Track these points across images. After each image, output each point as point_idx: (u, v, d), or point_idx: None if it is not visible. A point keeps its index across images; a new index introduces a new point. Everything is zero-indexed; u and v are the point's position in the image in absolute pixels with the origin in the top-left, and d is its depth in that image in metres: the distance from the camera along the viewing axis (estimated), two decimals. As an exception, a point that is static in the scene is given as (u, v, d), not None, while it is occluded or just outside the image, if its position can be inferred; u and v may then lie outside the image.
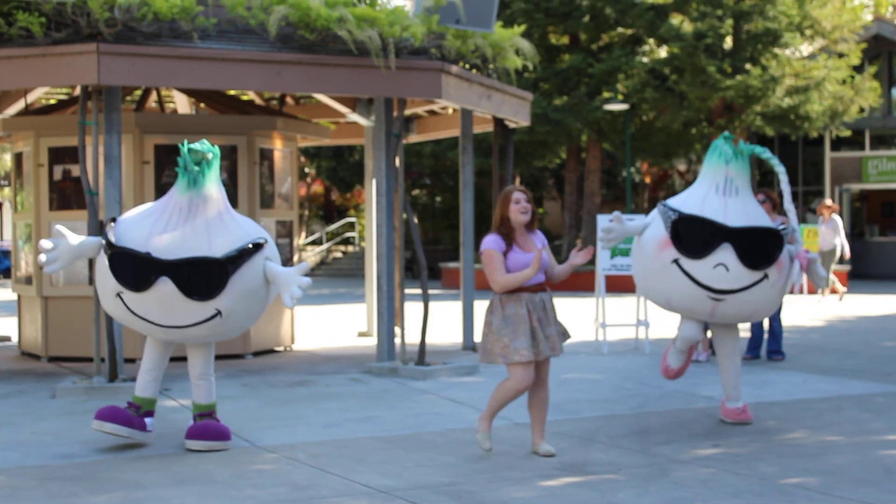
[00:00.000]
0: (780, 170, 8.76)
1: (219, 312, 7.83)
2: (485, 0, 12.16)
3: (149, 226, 7.87)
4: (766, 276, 8.45)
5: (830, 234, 22.71)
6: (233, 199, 12.83)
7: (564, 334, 7.81)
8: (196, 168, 7.95)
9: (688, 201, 8.69)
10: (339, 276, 40.87)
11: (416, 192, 43.75)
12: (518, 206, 7.59)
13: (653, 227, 8.70)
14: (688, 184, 42.19)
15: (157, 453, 7.92)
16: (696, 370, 12.07)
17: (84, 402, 9.95)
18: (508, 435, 8.57)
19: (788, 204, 8.79)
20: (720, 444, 8.15)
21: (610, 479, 7.07)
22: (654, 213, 8.79)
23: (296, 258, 14.10)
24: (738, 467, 7.32)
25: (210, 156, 7.99)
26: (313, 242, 45.94)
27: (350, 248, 45.17)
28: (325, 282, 36.36)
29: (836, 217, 22.61)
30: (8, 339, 15.38)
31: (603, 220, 14.42)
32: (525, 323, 7.46)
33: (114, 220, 8.08)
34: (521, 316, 7.47)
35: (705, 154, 8.99)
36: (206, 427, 8.08)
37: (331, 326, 17.93)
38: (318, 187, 49.16)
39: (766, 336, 13.11)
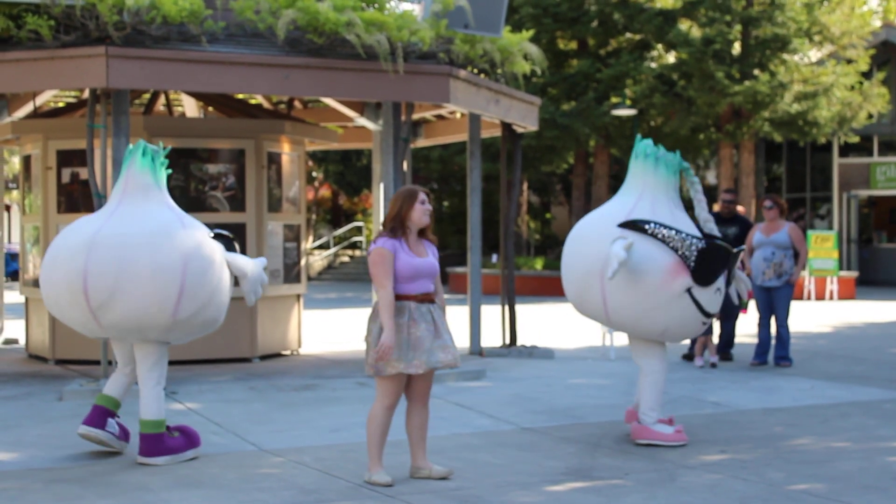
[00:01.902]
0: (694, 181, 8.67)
1: None
2: (493, 5, 12.17)
3: None
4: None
5: None
6: (240, 203, 12.89)
7: (454, 351, 7.09)
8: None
9: (670, 221, 8.27)
10: (346, 280, 40.88)
11: (423, 196, 43.70)
12: (424, 206, 7.13)
13: (654, 254, 8.11)
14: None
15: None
16: (704, 375, 12.06)
17: (90, 404, 9.94)
18: (514, 439, 8.56)
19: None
20: (727, 449, 8.14)
21: (617, 484, 7.06)
22: (630, 235, 8.14)
23: (303, 262, 14.10)
24: (745, 473, 7.31)
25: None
26: (321, 247, 45.98)
27: (357, 253, 45.18)
28: (333, 286, 36.37)
29: None
30: (15, 341, 15.39)
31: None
32: (401, 333, 6.90)
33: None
34: (400, 325, 6.91)
35: (646, 163, 8.51)
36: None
37: (338, 330, 17.92)
38: (325, 191, 49.17)
39: (773, 342, 13.09)
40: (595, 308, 8.36)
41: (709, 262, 8.11)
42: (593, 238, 8.27)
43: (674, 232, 8.10)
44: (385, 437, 7.14)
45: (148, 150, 7.92)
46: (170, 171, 8.07)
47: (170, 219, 7.78)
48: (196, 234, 7.75)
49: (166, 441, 7.72)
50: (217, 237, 7.94)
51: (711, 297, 8.25)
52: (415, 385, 7.17)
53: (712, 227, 8.56)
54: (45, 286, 7.74)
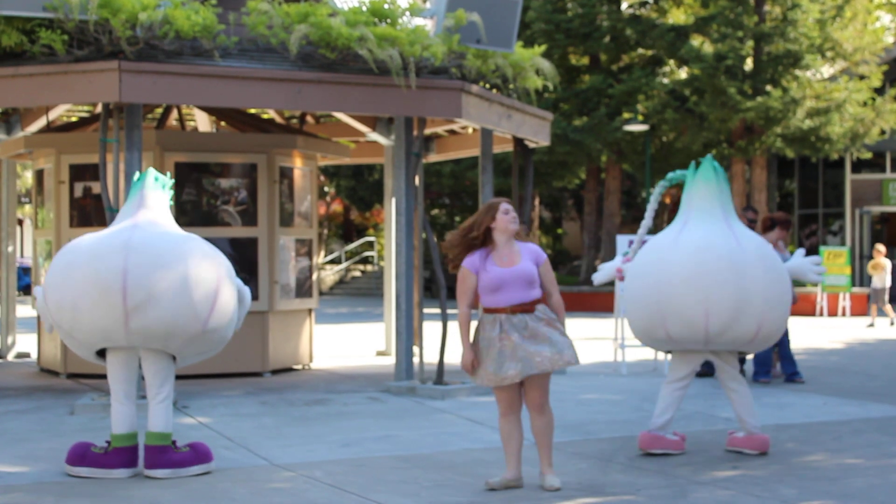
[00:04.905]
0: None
1: None
2: (505, 20, 12.18)
3: None
4: None
5: None
6: (252, 217, 12.91)
7: (559, 353, 7.13)
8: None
9: None
10: (357, 295, 40.90)
11: (435, 211, 43.80)
12: (508, 215, 7.18)
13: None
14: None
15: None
16: (714, 392, 12.02)
17: (102, 418, 9.94)
18: (525, 455, 8.53)
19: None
20: (739, 465, 8.11)
21: (628, 500, 7.03)
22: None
23: (314, 277, 14.11)
24: (757, 489, 7.28)
25: None
26: (332, 261, 46.02)
27: (369, 268, 45.23)
28: (344, 301, 36.38)
29: None
30: (27, 355, 15.42)
31: (622, 241, 14.39)
32: (494, 346, 7.08)
33: None
34: (492, 339, 7.10)
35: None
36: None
37: (349, 345, 17.93)
38: (337, 206, 49.26)
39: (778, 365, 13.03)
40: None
41: None
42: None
43: None
44: (513, 443, 7.30)
45: (159, 176, 8.11)
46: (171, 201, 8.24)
47: (195, 236, 7.92)
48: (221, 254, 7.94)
49: (171, 454, 7.71)
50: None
51: None
52: (527, 393, 7.29)
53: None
54: (61, 288, 7.49)
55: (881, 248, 24.28)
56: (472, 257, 7.22)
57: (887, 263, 23.88)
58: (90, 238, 7.73)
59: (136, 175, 8.23)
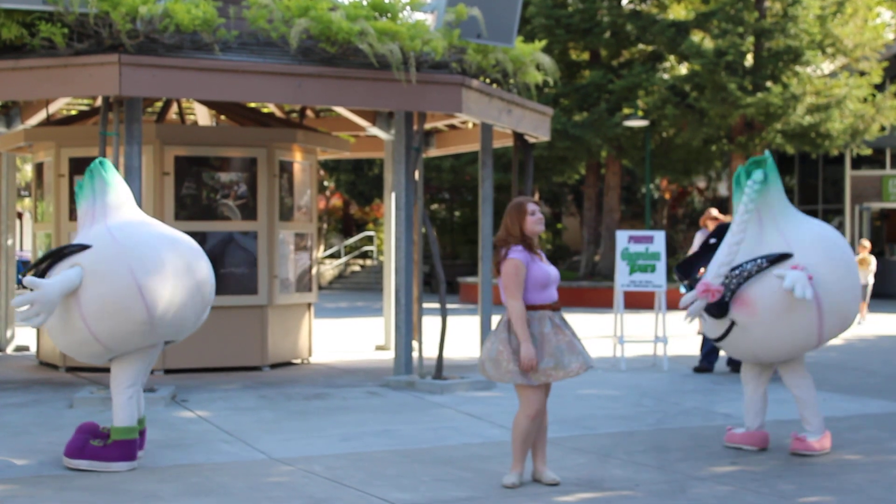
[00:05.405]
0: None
1: None
2: (506, 15, 12.17)
3: None
4: (733, 323, 8.15)
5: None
6: (252, 211, 12.90)
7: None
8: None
9: None
10: (357, 289, 40.89)
11: (434, 206, 43.77)
12: (535, 216, 7.15)
13: None
14: (707, 201, 42.13)
15: (174, 465, 7.92)
16: (714, 387, 12.03)
17: (101, 412, 9.94)
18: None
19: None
20: (738, 461, 8.11)
21: (627, 495, 7.03)
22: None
23: (314, 271, 14.11)
24: (756, 485, 7.28)
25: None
26: (332, 256, 46.00)
27: (368, 262, 45.21)
28: (343, 295, 36.38)
29: None
30: (26, 348, 15.42)
31: (622, 237, 14.39)
32: (550, 341, 7.03)
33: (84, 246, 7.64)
34: (546, 335, 7.04)
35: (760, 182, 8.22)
36: None
37: (348, 340, 17.93)
38: (336, 201, 49.22)
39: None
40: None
41: None
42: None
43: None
44: (529, 445, 7.23)
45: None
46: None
47: None
48: None
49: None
50: None
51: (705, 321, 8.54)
52: None
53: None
54: (173, 291, 7.55)
55: (866, 243, 24.25)
56: (516, 249, 7.10)
57: (873, 260, 23.87)
58: (162, 234, 7.82)
59: (98, 163, 7.99)
